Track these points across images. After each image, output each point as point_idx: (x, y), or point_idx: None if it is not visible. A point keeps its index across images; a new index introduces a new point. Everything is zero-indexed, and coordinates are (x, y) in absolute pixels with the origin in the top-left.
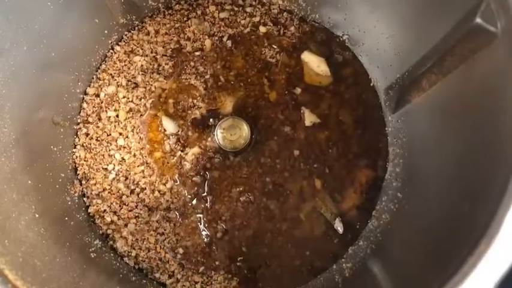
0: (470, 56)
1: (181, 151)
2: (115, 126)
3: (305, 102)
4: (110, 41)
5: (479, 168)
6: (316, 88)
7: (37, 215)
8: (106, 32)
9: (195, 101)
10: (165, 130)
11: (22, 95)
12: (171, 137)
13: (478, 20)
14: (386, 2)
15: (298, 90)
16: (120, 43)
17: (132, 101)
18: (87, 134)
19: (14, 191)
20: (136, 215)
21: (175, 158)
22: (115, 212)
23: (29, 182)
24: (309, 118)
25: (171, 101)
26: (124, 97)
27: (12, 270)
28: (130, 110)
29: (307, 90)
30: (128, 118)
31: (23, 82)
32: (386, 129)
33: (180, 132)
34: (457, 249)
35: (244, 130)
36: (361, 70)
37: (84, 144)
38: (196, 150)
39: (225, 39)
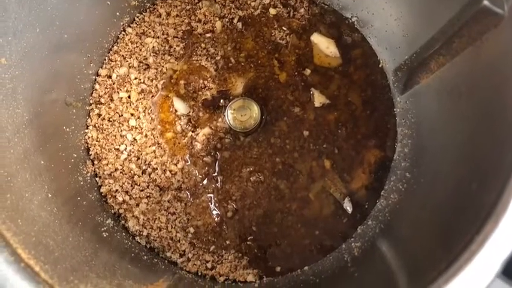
0: (477, 38)
1: (192, 132)
2: (127, 107)
3: (314, 83)
4: (121, 23)
5: (486, 148)
6: (326, 69)
7: (50, 195)
8: (118, 14)
9: (205, 82)
10: (176, 111)
11: (35, 77)
12: (182, 117)
13: (486, 2)
14: None
15: (307, 72)
16: (131, 25)
17: (143, 82)
18: (99, 115)
19: (27, 171)
20: (148, 194)
21: (186, 138)
22: (127, 192)
23: (42, 162)
24: (318, 99)
25: (182, 82)
26: (136, 78)
27: (25, 250)
28: (142, 91)
29: (317, 71)
30: (140, 99)
31: (35, 63)
32: (394, 110)
33: (191, 113)
34: (465, 228)
35: (255, 111)
36: (369, 52)
37: (97, 125)
38: (207, 130)
39: (235, 21)
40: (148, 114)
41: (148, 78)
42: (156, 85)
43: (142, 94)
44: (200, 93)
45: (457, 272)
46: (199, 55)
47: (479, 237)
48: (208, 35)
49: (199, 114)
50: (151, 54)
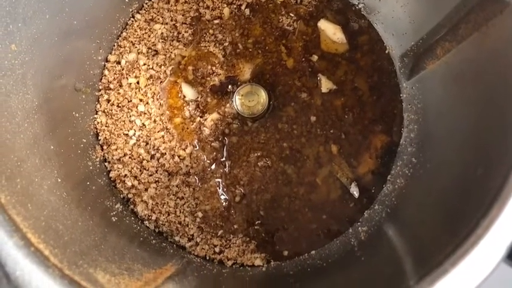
0: (483, 24)
1: (201, 117)
2: (135, 92)
3: (322, 69)
4: (130, 9)
5: (492, 133)
6: (333, 55)
7: (59, 180)
8: (127, 0)
9: (214, 68)
10: (184, 96)
11: (45, 63)
12: (190, 103)
13: None
14: None
15: (314, 58)
16: (140, 11)
17: (152, 68)
18: (108, 101)
19: (36, 156)
20: (157, 179)
21: (194, 123)
22: (135, 177)
23: (52, 147)
24: (326, 85)
25: (190, 68)
26: (144, 64)
27: (35, 234)
28: (151, 76)
29: (324, 57)
30: (148, 85)
31: (45, 50)
32: (401, 95)
33: (199, 99)
34: (471, 213)
35: (262, 96)
36: (376, 38)
37: (106, 110)
38: (215, 116)
39: (243, 7)
40: (157, 99)
41: (157, 64)
42: (165, 71)
43: (151, 80)
44: (208, 79)
45: (463, 256)
46: (208, 41)
47: (485, 221)
48: (216, 21)
49: (207, 100)
50: (160, 40)
